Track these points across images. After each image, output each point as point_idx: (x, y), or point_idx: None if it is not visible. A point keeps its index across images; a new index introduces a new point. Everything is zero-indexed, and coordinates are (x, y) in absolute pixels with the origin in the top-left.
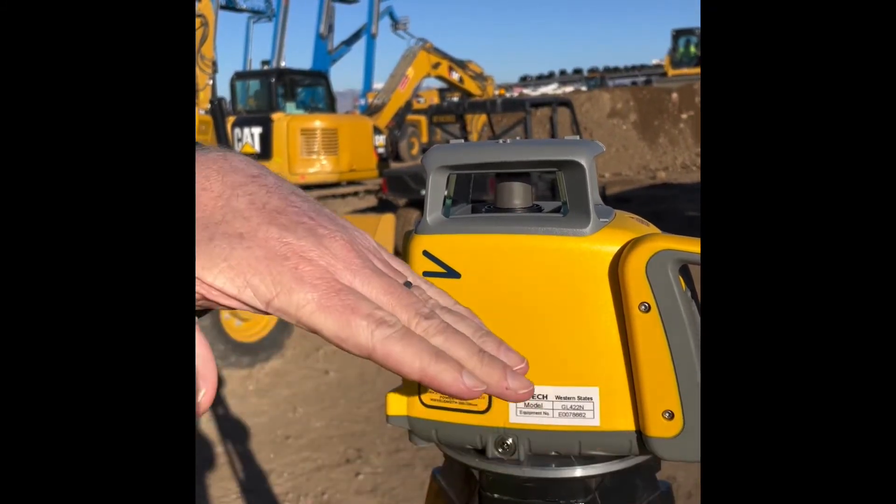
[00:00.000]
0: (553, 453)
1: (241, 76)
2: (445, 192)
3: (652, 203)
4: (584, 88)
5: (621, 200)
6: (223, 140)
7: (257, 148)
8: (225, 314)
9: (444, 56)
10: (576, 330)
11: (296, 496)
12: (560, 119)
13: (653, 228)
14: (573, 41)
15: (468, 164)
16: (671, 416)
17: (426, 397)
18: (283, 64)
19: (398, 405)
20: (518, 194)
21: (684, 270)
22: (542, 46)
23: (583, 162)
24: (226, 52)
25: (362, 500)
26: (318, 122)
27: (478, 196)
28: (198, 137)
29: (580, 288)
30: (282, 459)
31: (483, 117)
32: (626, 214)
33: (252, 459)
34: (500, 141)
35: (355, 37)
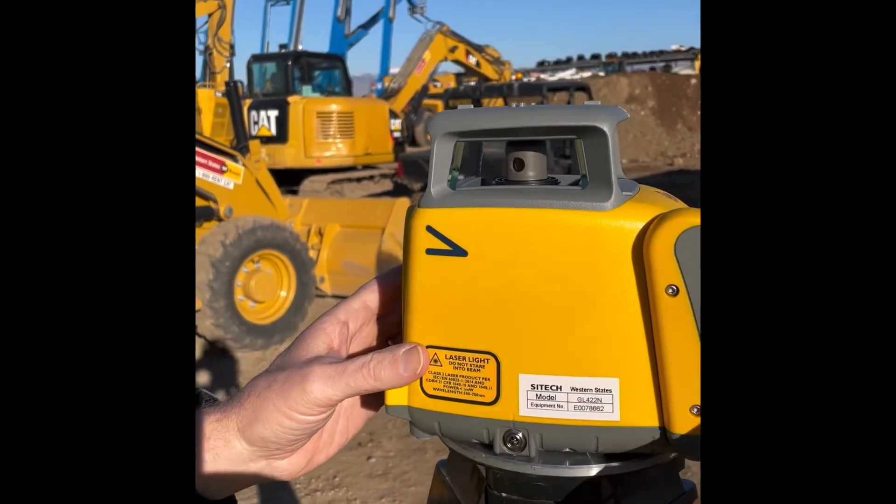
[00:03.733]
0: (567, 450)
1: (257, 59)
2: (452, 162)
3: (669, 190)
4: (601, 74)
5: None
6: (239, 121)
7: (273, 131)
8: (239, 296)
9: (462, 40)
10: (594, 315)
11: (307, 479)
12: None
13: (681, 204)
14: (592, 26)
15: (478, 130)
16: (700, 411)
17: (429, 386)
18: (300, 47)
19: (398, 394)
20: (532, 165)
21: None
22: (560, 31)
23: (605, 128)
24: (243, 35)
25: (374, 483)
26: (335, 106)
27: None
28: (215, 120)
29: (600, 268)
30: None
31: (499, 101)
32: (651, 189)
33: None
34: (514, 105)
35: (372, 20)
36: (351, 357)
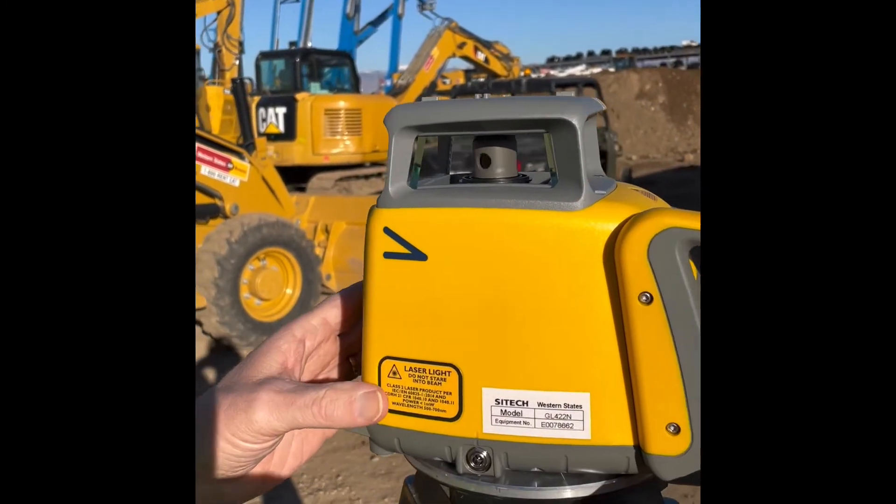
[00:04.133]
0: (535, 469)
1: (266, 56)
2: (413, 159)
3: (680, 186)
4: (612, 69)
5: (648, 183)
6: (245, 119)
7: (281, 128)
8: (244, 293)
9: (470, 36)
10: (563, 324)
11: (310, 478)
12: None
13: (661, 203)
14: (602, 22)
15: (437, 123)
16: (677, 430)
17: (388, 400)
18: (309, 45)
19: None
20: (500, 161)
21: (697, 254)
22: (570, 27)
23: (574, 121)
24: (253, 32)
25: (377, 482)
26: (342, 103)
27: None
28: (224, 117)
29: (569, 273)
30: None
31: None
32: (629, 186)
33: None
34: (478, 96)
35: (381, 17)
36: (308, 381)
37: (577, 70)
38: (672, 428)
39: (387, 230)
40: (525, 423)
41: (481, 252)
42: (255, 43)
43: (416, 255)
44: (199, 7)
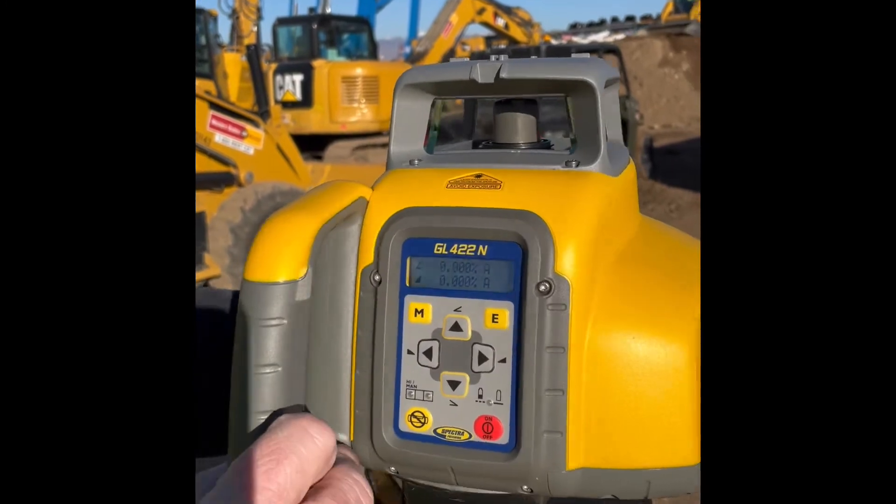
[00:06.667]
0: None
1: (283, 22)
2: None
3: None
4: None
5: (670, 153)
6: (260, 86)
7: (298, 96)
8: None
9: (490, 2)
10: None
11: None
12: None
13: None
14: None
15: None
16: None
17: None
18: (328, 10)
19: None
20: (518, 128)
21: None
22: None
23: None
24: None
25: None
26: (360, 70)
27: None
28: (241, 84)
29: None
30: None
31: None
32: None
33: None
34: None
35: None
36: None
37: (601, 37)
38: None
39: None
40: None
41: None
42: (274, 9)
43: None
44: None
